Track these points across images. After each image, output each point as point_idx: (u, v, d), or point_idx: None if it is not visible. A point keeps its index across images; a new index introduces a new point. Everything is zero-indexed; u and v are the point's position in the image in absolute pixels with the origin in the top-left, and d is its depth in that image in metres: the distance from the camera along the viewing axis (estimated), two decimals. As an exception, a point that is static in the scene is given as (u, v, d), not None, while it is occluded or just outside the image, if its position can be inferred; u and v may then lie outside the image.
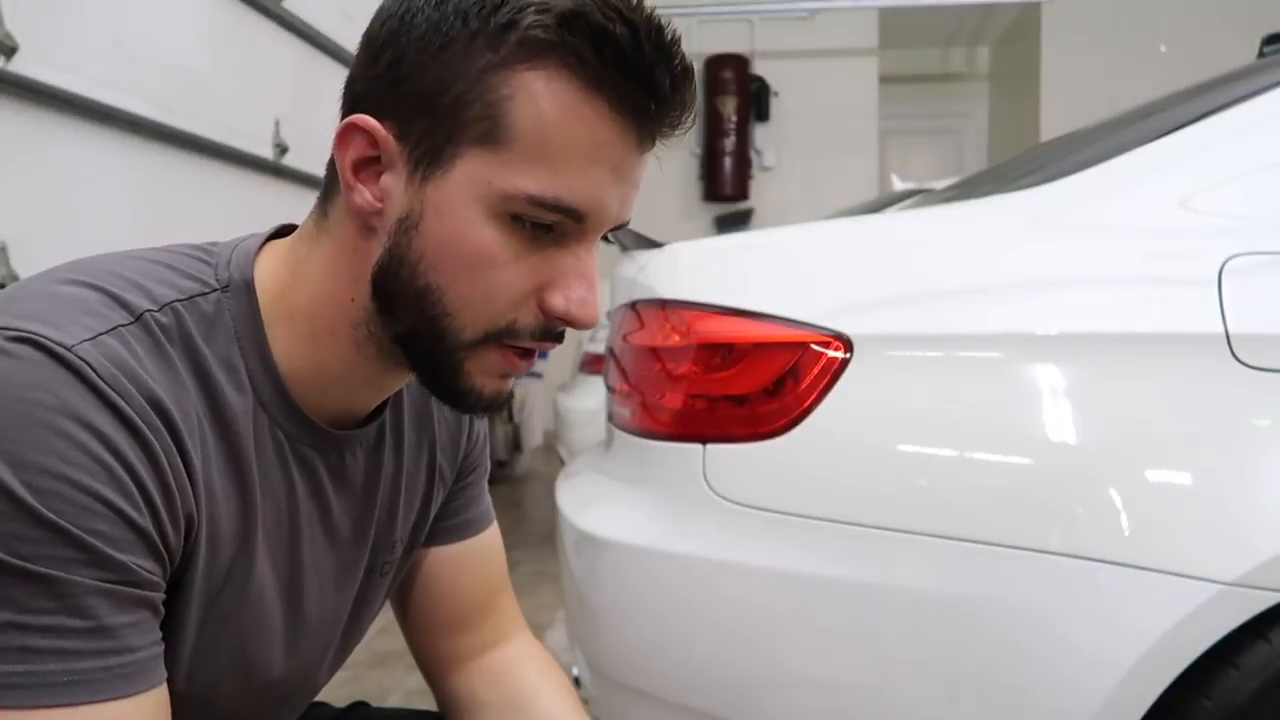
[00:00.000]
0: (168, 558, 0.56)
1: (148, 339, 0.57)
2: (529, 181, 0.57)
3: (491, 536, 0.87)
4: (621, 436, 1.31)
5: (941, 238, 1.23)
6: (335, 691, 0.91)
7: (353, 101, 0.61)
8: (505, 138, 0.57)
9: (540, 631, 2.65)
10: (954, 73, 7.65)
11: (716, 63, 6.19)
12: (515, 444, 5.23)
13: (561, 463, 3.36)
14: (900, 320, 1.12)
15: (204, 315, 0.61)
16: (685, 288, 1.21)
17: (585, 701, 0.91)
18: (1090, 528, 0.99)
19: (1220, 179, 1.11)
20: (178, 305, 0.60)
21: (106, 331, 0.55)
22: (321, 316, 0.63)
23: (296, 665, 0.71)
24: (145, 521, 0.54)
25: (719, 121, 6.18)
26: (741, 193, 6.29)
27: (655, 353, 1.21)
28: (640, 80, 0.57)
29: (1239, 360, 1.00)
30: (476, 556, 0.86)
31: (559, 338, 0.63)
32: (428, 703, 0.90)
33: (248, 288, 0.63)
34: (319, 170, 0.68)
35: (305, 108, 3.08)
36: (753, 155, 6.33)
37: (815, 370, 1.09)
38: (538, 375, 4.99)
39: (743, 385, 1.12)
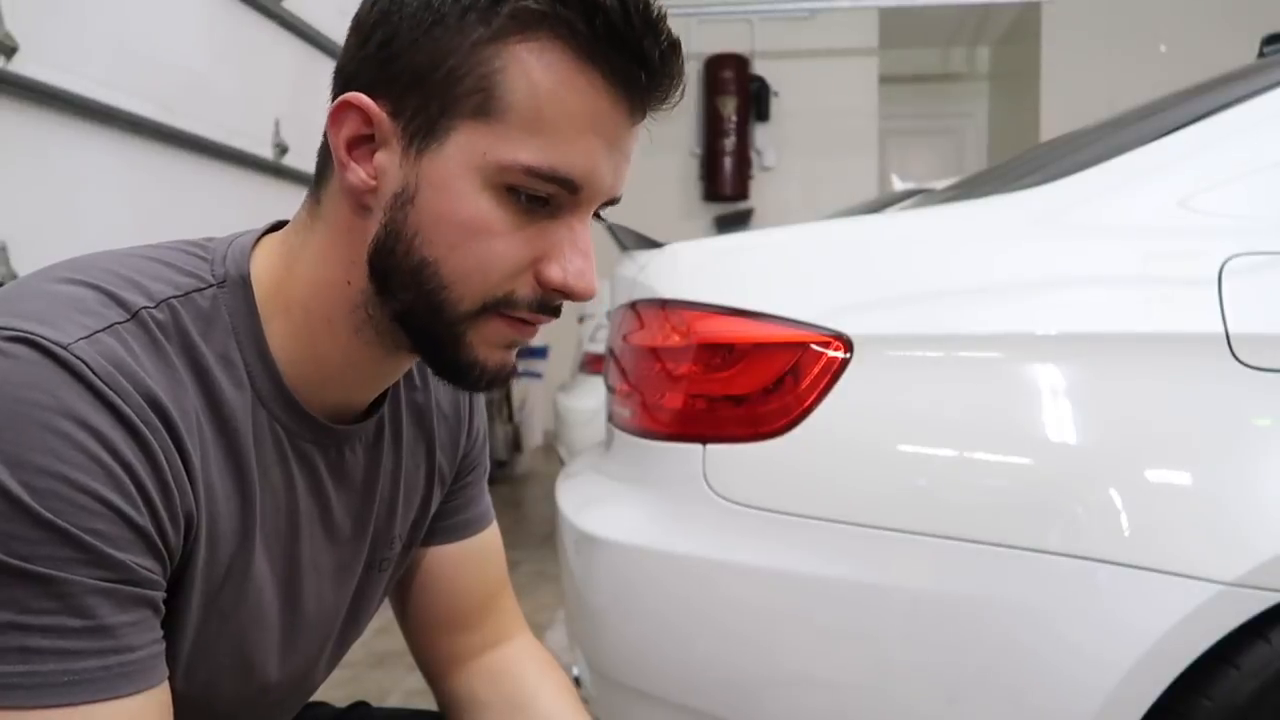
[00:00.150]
0: (167, 556, 0.56)
1: (144, 336, 0.57)
2: (524, 152, 0.57)
3: (491, 536, 0.87)
4: (621, 436, 1.31)
5: (942, 238, 1.23)
6: (335, 691, 0.91)
7: (343, 84, 0.61)
8: (499, 109, 0.57)
9: (540, 631, 2.65)
10: (954, 73, 7.65)
11: (716, 63, 6.19)
12: (515, 444, 5.23)
13: (561, 463, 3.36)
14: (900, 320, 1.12)
15: (200, 311, 0.61)
16: (685, 288, 1.21)
17: (585, 701, 0.91)
18: (1090, 528, 0.99)
19: (1220, 179, 1.11)
20: (174, 302, 0.59)
21: (103, 329, 0.55)
22: (319, 304, 0.63)
23: (294, 662, 0.71)
24: (144, 520, 0.54)
25: (719, 121, 6.18)
26: (741, 193, 6.29)
27: (655, 353, 1.21)
28: (631, 52, 0.57)
29: (1239, 360, 1.00)
30: (476, 556, 0.85)
31: (556, 311, 0.63)
32: (428, 703, 0.90)
33: (244, 283, 0.63)
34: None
35: (305, 108, 3.08)
36: (753, 155, 6.33)
37: (815, 370, 1.09)
38: (537, 375, 4.99)
39: (743, 385, 1.12)
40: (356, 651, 2.47)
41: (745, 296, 1.16)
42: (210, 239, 0.66)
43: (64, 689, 0.51)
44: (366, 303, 0.62)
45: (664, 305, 1.22)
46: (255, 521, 0.63)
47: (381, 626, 0.83)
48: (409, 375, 0.76)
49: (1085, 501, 1.00)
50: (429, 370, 0.76)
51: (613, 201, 0.63)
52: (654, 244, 1.42)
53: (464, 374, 0.63)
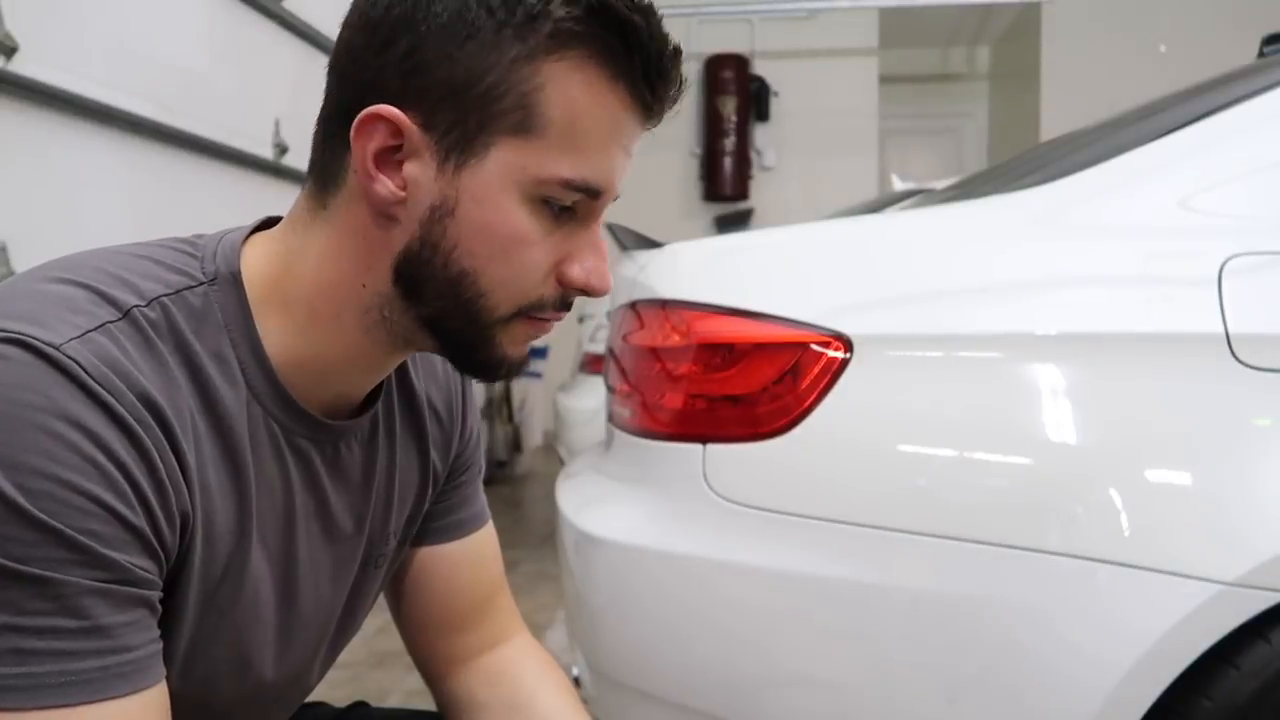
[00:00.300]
0: (163, 555, 0.56)
1: (136, 335, 0.57)
2: (561, 166, 0.59)
3: (487, 536, 0.87)
4: (621, 436, 1.31)
5: (941, 238, 1.23)
6: (335, 691, 0.91)
7: (357, 90, 0.59)
8: (538, 126, 0.58)
9: (540, 631, 2.65)
10: (954, 73, 7.65)
11: (716, 63, 6.18)
12: (515, 444, 5.23)
13: (561, 463, 3.36)
14: (900, 320, 1.12)
15: (192, 309, 0.60)
16: (685, 288, 1.21)
17: (585, 702, 0.90)
18: (1090, 528, 0.99)
19: (1220, 179, 1.11)
20: (165, 300, 0.59)
21: (94, 329, 0.55)
22: (326, 304, 0.63)
23: (291, 660, 0.71)
24: (139, 520, 0.54)
25: (719, 121, 6.18)
26: (741, 193, 6.29)
27: (655, 353, 1.21)
28: (653, 65, 0.59)
29: (1239, 360, 1.00)
30: (472, 556, 0.85)
31: (569, 306, 0.66)
32: (428, 703, 0.90)
33: (235, 280, 0.63)
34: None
35: (305, 108, 3.06)
36: (753, 155, 6.33)
37: (815, 370, 1.09)
38: (537, 375, 4.99)
39: (743, 385, 1.12)
40: (357, 651, 2.47)
41: (745, 296, 1.16)
42: (199, 236, 0.66)
43: (61, 690, 0.51)
44: (383, 305, 0.63)
45: (664, 305, 1.22)
46: (252, 519, 0.63)
47: (381, 626, 0.83)
48: (402, 373, 0.76)
49: (1085, 501, 1.00)
50: (420, 369, 0.77)
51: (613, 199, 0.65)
52: (654, 244, 1.42)
53: (491, 371, 0.65)
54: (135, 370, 0.55)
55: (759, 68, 6.27)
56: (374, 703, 0.92)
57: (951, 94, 7.59)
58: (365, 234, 0.61)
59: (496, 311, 0.62)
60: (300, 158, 3.01)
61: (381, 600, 0.84)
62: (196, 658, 0.63)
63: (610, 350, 1.40)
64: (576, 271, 0.63)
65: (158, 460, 0.55)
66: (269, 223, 0.68)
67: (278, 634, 0.69)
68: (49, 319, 0.54)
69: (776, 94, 6.30)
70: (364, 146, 0.59)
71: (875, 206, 3.15)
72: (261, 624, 0.67)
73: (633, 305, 1.29)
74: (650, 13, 0.59)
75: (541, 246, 0.61)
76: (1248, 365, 0.99)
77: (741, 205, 6.29)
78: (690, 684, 1.16)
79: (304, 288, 0.63)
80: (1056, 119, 5.75)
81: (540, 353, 5.04)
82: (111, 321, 0.56)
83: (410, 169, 0.59)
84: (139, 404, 0.54)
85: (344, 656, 0.81)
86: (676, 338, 1.18)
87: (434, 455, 0.79)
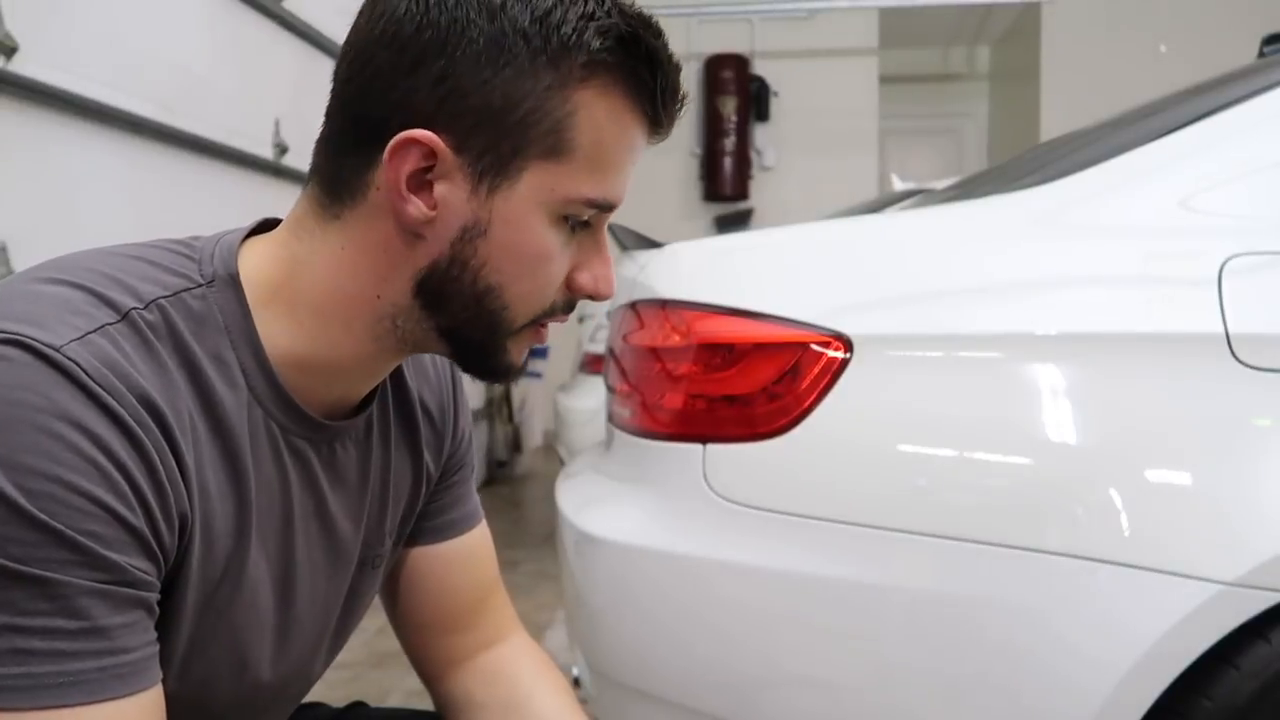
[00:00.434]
0: (162, 557, 0.56)
1: (135, 337, 0.57)
2: (587, 187, 0.62)
3: (480, 536, 0.87)
4: (621, 436, 1.31)
5: (942, 238, 1.23)
6: (335, 692, 0.91)
7: (386, 108, 0.59)
8: (568, 150, 0.61)
9: (540, 631, 2.65)
10: (954, 73, 7.65)
11: (716, 63, 6.18)
12: (515, 444, 5.23)
13: (561, 463, 3.36)
14: (900, 320, 1.12)
15: (191, 311, 0.61)
16: (685, 288, 1.21)
17: (584, 701, 0.90)
18: (1090, 528, 0.99)
19: (1220, 179, 1.11)
20: (163, 302, 0.59)
21: (94, 331, 0.55)
22: (336, 312, 0.64)
23: (288, 660, 0.72)
24: (139, 521, 0.54)
25: (719, 121, 6.18)
26: (741, 193, 6.28)
27: (655, 353, 1.21)
28: (669, 88, 0.63)
29: (1239, 360, 1.00)
30: (466, 556, 0.86)
31: (573, 309, 0.69)
32: (428, 703, 0.90)
33: (233, 282, 0.63)
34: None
35: (305, 108, 3.07)
36: (753, 155, 6.33)
37: (815, 370, 1.09)
38: (538, 375, 4.99)
39: (743, 385, 1.12)
40: (357, 651, 2.47)
41: (745, 296, 1.16)
42: (196, 238, 0.66)
43: (59, 690, 0.51)
44: (396, 315, 0.64)
45: (664, 305, 1.22)
46: (251, 520, 0.63)
47: (381, 626, 0.83)
48: (396, 375, 0.77)
49: (1085, 501, 1.00)
50: (412, 370, 0.78)
51: None
52: (654, 244, 1.42)
53: (500, 374, 0.68)
54: (135, 372, 0.55)
55: (759, 68, 6.27)
56: (374, 703, 0.92)
57: (951, 94, 7.59)
58: (386, 248, 0.62)
59: (517, 322, 0.65)
60: (300, 158, 3.01)
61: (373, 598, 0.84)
62: (195, 659, 0.63)
63: (610, 350, 1.40)
64: (585, 279, 0.66)
65: (157, 462, 0.55)
66: (265, 225, 0.68)
67: (275, 635, 0.69)
68: (48, 320, 0.54)
69: (776, 94, 6.29)
70: (398, 169, 0.60)
71: (875, 206, 3.15)
72: (260, 625, 0.67)
73: (633, 305, 1.29)
74: (663, 34, 0.62)
75: (560, 260, 0.64)
76: (1248, 365, 0.99)
77: (741, 205, 6.29)
78: (690, 684, 1.16)
79: (312, 295, 0.64)
80: (1056, 119, 5.76)
81: (540, 353, 5.04)
82: (110, 324, 0.56)
83: (441, 190, 0.61)
84: (139, 405, 0.55)
85: (344, 656, 0.81)
86: (676, 338, 1.18)
87: (427, 456, 0.80)
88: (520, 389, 5.22)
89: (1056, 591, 0.99)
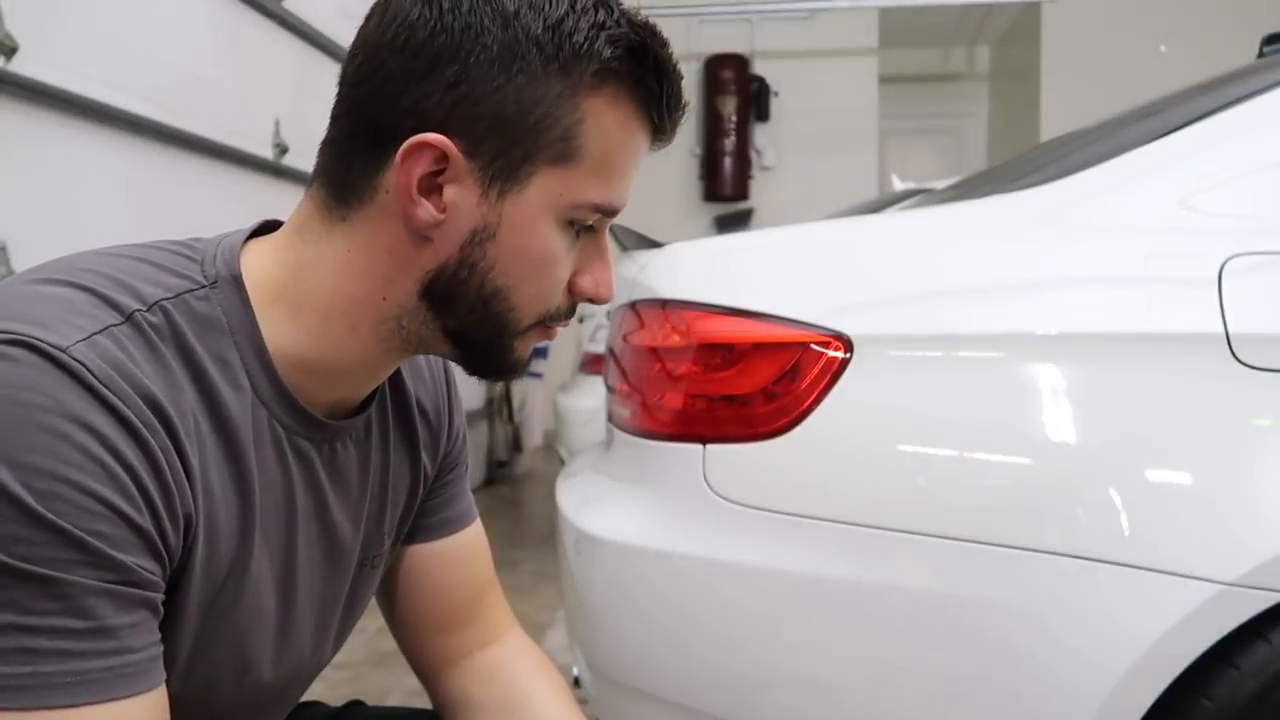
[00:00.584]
0: (167, 557, 0.57)
1: (140, 338, 0.57)
2: (594, 192, 0.63)
3: (475, 534, 0.88)
4: (621, 436, 1.31)
5: (942, 238, 1.23)
6: (335, 691, 0.91)
7: (397, 112, 0.60)
8: (577, 156, 0.62)
9: (540, 631, 2.65)
10: (954, 73, 7.65)
11: (716, 63, 6.18)
12: (515, 444, 5.23)
13: (561, 463, 3.36)
14: (900, 320, 1.12)
15: (194, 313, 0.61)
16: (685, 288, 1.21)
17: (584, 701, 0.91)
18: (1090, 528, 0.99)
19: (1220, 179, 1.11)
20: (166, 304, 0.60)
21: (99, 332, 0.55)
22: (342, 314, 0.64)
23: (289, 660, 0.72)
24: (145, 521, 0.54)
25: (719, 121, 6.18)
26: (741, 193, 6.28)
27: (655, 353, 1.21)
28: (673, 96, 0.64)
29: (1239, 360, 1.00)
30: (461, 553, 0.86)
31: (574, 312, 0.70)
32: (427, 703, 0.90)
33: (236, 283, 0.63)
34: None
35: (305, 108, 3.08)
36: (753, 155, 6.33)
37: (815, 370, 1.09)
38: (538, 375, 4.99)
39: (742, 385, 1.12)
40: (357, 651, 2.47)
41: (745, 296, 1.16)
42: (197, 239, 0.66)
43: (66, 690, 0.51)
44: (402, 316, 0.64)
45: (664, 305, 1.22)
46: (255, 520, 0.63)
47: (382, 626, 0.83)
48: (394, 375, 0.77)
49: (1085, 502, 1.00)
50: (408, 371, 0.78)
51: None
52: (654, 244, 1.42)
53: (505, 374, 0.69)
54: (140, 373, 0.55)
55: (759, 68, 6.27)
56: (374, 703, 0.92)
57: (951, 94, 7.59)
58: (394, 251, 0.63)
59: (522, 323, 0.66)
60: (300, 158, 3.01)
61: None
62: (198, 659, 0.63)
63: (610, 350, 1.40)
64: (586, 282, 0.67)
65: (163, 462, 0.55)
66: (266, 227, 0.68)
67: (277, 635, 0.69)
68: (52, 321, 0.54)
69: (776, 94, 6.29)
70: (409, 172, 0.60)
71: (875, 206, 3.15)
72: (262, 625, 0.67)
73: (633, 305, 1.29)
74: (668, 44, 0.63)
75: (565, 263, 0.65)
76: (1248, 365, 0.99)
77: (741, 205, 6.29)
78: (690, 684, 1.16)
79: (318, 296, 0.64)
80: (1056, 119, 5.75)
81: (540, 353, 5.04)
82: (114, 325, 0.56)
83: (451, 193, 0.61)
84: (144, 406, 0.55)
85: (344, 656, 0.82)
86: (676, 338, 1.18)
87: (424, 455, 0.80)
88: (520, 389, 5.22)
89: (1056, 592, 0.99)
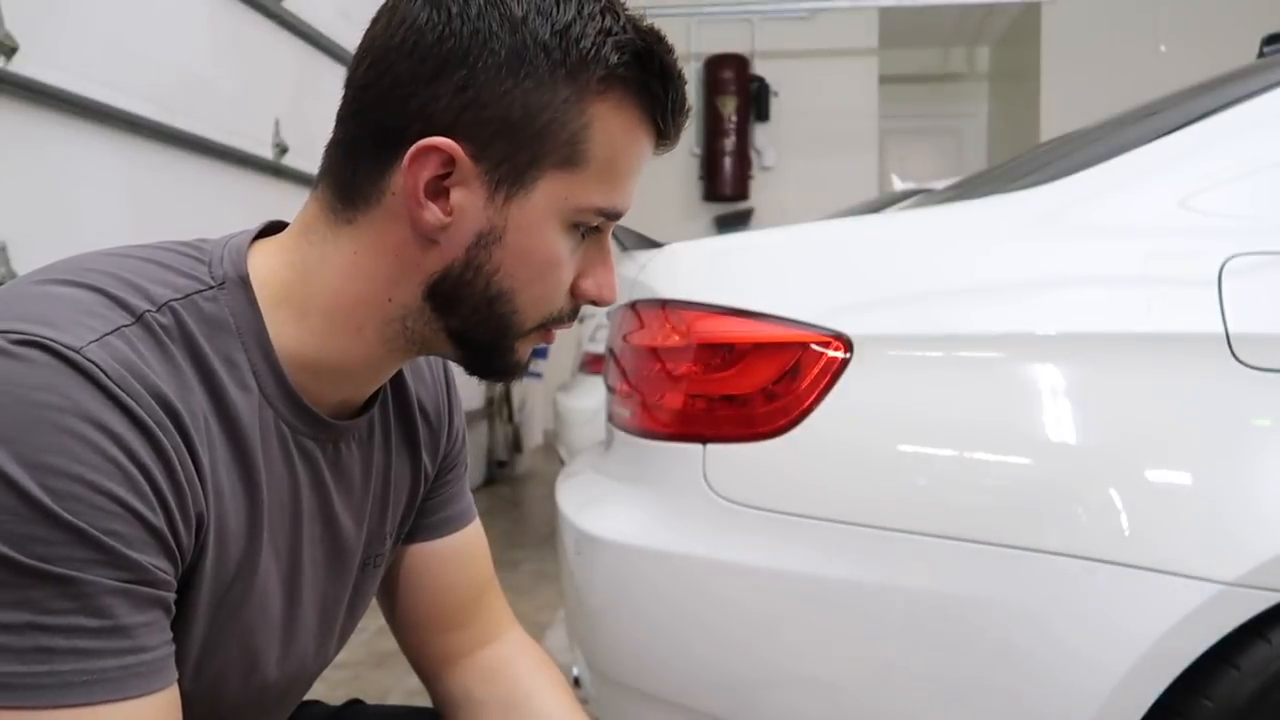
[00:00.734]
0: (179, 556, 0.57)
1: (150, 339, 0.57)
2: (599, 197, 0.64)
3: (474, 533, 0.88)
4: (621, 436, 1.31)
5: (942, 238, 1.23)
6: (335, 692, 0.91)
7: (405, 116, 0.60)
8: (582, 160, 0.62)
9: (540, 631, 2.65)
10: (954, 73, 7.65)
11: (716, 63, 6.19)
12: (515, 444, 5.23)
13: (561, 463, 3.36)
14: (900, 320, 1.12)
15: (203, 314, 0.61)
16: (685, 288, 1.21)
17: (584, 701, 0.91)
18: (1090, 528, 0.99)
19: (1220, 179, 1.11)
20: (175, 305, 0.60)
21: (110, 333, 0.55)
22: (348, 315, 0.64)
23: (294, 659, 0.72)
24: (159, 521, 0.54)
25: (719, 121, 6.18)
26: (741, 193, 6.29)
27: (655, 353, 1.21)
28: (678, 101, 0.65)
29: (1239, 360, 1.00)
30: (460, 552, 0.86)
31: (577, 314, 0.70)
32: (427, 703, 0.90)
33: (243, 284, 0.63)
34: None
35: (305, 108, 3.08)
36: (753, 155, 6.33)
37: (815, 370, 1.09)
38: (538, 375, 4.99)
39: (742, 385, 1.12)
40: (357, 651, 2.47)
41: (745, 296, 1.16)
42: (203, 240, 0.67)
43: (82, 688, 0.51)
44: (406, 317, 0.65)
45: (664, 305, 1.22)
46: (263, 520, 0.64)
47: (382, 626, 0.84)
48: (395, 376, 0.77)
49: (1085, 502, 1.00)
50: (409, 371, 0.78)
51: None
52: (654, 244, 1.42)
53: (506, 375, 0.69)
54: (151, 374, 0.56)
55: (759, 68, 6.27)
56: (375, 703, 0.92)
57: (951, 94, 7.60)
58: (400, 253, 0.63)
59: (525, 325, 0.66)
60: (300, 157, 3.01)
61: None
62: (207, 658, 0.64)
63: (610, 350, 1.40)
64: (589, 285, 0.68)
65: (175, 462, 0.56)
66: (271, 228, 0.69)
67: (282, 634, 0.70)
68: (64, 322, 0.54)
69: (776, 94, 6.30)
70: (417, 175, 0.60)
71: (875, 206, 3.15)
72: (269, 625, 0.68)
73: (633, 305, 1.29)
74: (673, 49, 0.64)
75: (568, 266, 0.66)
76: (1248, 365, 0.99)
77: (741, 205, 6.29)
78: (690, 684, 1.16)
79: (324, 298, 0.64)
80: (1056, 119, 5.76)
81: (540, 353, 5.03)
82: (125, 326, 0.57)
83: (458, 197, 0.61)
84: (157, 406, 0.55)
85: (344, 656, 0.82)
86: (676, 338, 1.18)
87: (425, 455, 0.81)
88: (520, 389, 5.22)
89: (1056, 592, 0.99)
